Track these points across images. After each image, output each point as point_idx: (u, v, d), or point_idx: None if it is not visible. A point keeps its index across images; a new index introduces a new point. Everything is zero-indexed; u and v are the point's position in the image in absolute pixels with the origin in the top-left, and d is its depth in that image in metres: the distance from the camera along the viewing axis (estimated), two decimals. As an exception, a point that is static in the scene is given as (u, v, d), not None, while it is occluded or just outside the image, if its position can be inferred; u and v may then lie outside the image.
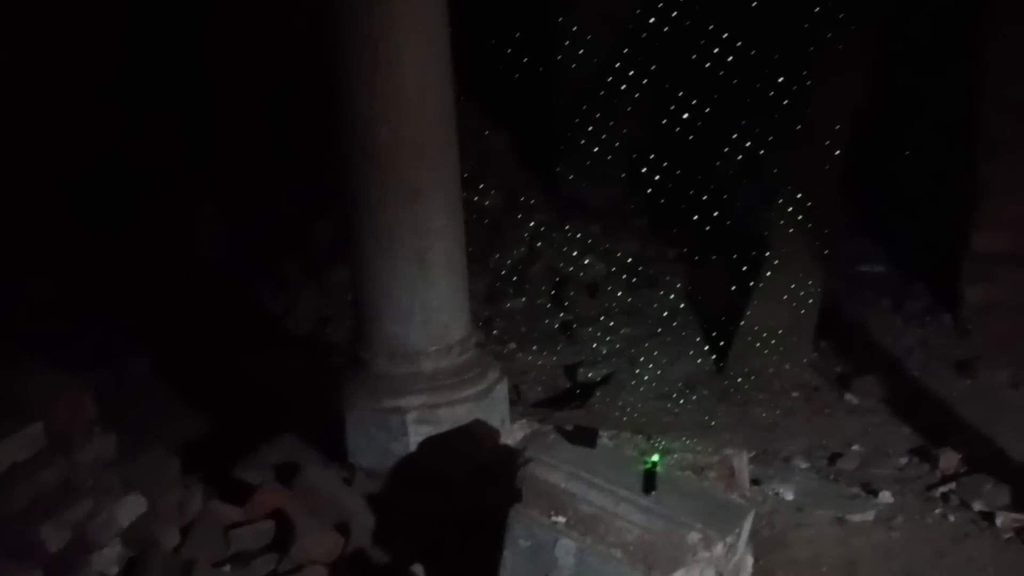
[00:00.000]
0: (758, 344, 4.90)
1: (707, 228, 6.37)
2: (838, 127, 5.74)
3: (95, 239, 6.11)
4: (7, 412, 2.73)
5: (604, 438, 3.12)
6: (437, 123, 3.53)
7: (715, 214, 6.39)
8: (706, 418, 4.47)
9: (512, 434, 3.85)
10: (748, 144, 6.66)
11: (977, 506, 3.57)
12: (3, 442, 2.72)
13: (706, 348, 5.20)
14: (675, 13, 6.74)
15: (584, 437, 2.95)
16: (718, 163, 6.89)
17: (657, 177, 6.96)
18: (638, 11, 6.86)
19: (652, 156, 6.97)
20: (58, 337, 5.31)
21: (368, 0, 3.32)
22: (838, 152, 5.65)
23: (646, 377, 4.96)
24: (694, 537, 2.57)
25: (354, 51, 3.42)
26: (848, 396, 4.64)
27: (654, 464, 2.71)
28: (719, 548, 2.58)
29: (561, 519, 2.68)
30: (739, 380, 4.77)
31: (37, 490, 2.72)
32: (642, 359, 5.17)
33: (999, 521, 3.44)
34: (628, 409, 4.56)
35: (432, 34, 3.43)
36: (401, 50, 3.37)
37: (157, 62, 6.43)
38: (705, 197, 6.48)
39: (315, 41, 3.84)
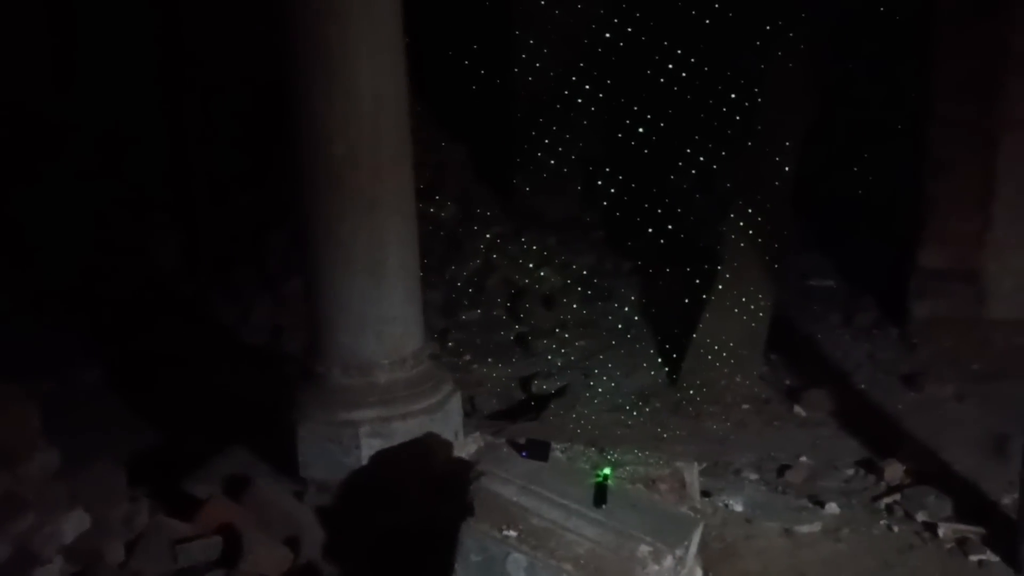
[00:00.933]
0: (710, 357, 4.95)
1: (661, 241, 6.44)
2: (788, 143, 5.85)
3: (45, 250, 6.01)
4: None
5: (557, 451, 3.14)
6: (393, 136, 3.53)
7: (669, 227, 6.46)
8: (659, 430, 4.50)
9: (466, 447, 3.84)
10: (701, 159, 6.76)
11: (921, 517, 3.65)
12: (-59, 456, 2.65)
13: (660, 360, 5.25)
14: (630, 29, 6.82)
15: (537, 450, 2.96)
16: (672, 177, 6.98)
17: (612, 190, 7.02)
18: (594, 26, 6.93)
19: (608, 169, 7.04)
20: (5, 346, 5.19)
21: (324, 13, 3.33)
22: (789, 168, 5.75)
23: (600, 389, 4.99)
24: (644, 550, 2.59)
25: (310, 64, 3.42)
26: (797, 409, 4.71)
27: (605, 477, 2.73)
28: (668, 561, 2.60)
29: (512, 533, 2.68)
30: (692, 392, 4.82)
31: (-23, 505, 2.66)
32: (596, 371, 5.20)
33: (942, 532, 3.52)
34: (582, 421, 4.58)
35: (388, 47, 3.44)
36: (357, 63, 3.38)
37: (108, 73, 6.34)
38: (660, 210, 6.55)
39: (270, 50, 3.83)
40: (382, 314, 3.61)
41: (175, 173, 6.68)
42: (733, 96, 6.35)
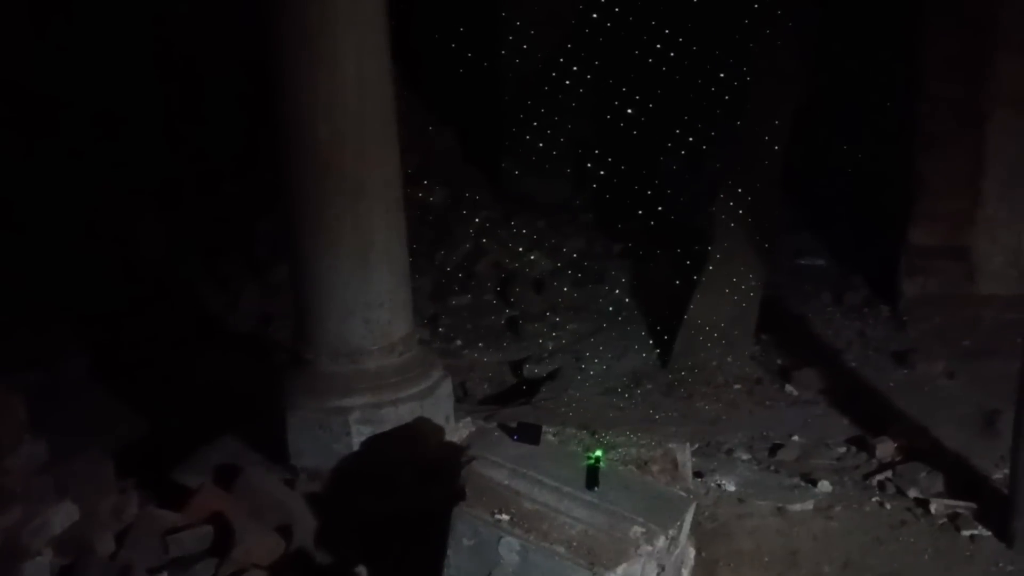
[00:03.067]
0: (701, 338, 4.95)
1: (651, 223, 6.42)
2: (778, 123, 5.83)
3: (30, 236, 5.94)
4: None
5: (548, 434, 3.12)
6: (378, 119, 3.49)
7: (659, 209, 6.44)
8: (651, 412, 4.49)
9: (457, 432, 3.83)
10: (691, 140, 6.73)
11: (913, 493, 3.65)
12: (-74, 449, 2.62)
13: (651, 343, 5.24)
14: (618, 9, 6.77)
15: (528, 434, 2.95)
16: (662, 158, 6.95)
17: (602, 173, 7.00)
18: (581, 7, 6.88)
19: (597, 152, 7.00)
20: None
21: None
22: (778, 148, 5.73)
23: (592, 372, 4.98)
24: (636, 531, 2.58)
25: (293, 46, 3.37)
26: (789, 388, 4.72)
27: (597, 460, 2.72)
28: (661, 541, 2.60)
29: (505, 517, 2.67)
30: (683, 374, 4.81)
31: (-37, 498, 2.63)
32: (588, 354, 5.19)
33: (933, 508, 3.52)
34: (574, 404, 4.57)
35: (371, 27, 3.40)
36: (340, 44, 3.33)
37: (102, 55, 6.26)
38: (649, 192, 6.52)
39: (257, 35, 3.78)
40: (369, 300, 3.58)
41: (163, 159, 6.62)
42: (722, 76, 6.32)
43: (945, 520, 3.46)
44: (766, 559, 3.21)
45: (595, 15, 6.82)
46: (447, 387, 3.84)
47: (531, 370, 5.18)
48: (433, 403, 3.70)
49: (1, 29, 5.95)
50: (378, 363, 3.65)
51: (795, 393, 4.67)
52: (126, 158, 6.38)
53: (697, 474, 3.60)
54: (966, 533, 3.38)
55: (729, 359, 4.84)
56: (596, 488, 2.70)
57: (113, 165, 6.31)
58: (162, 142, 6.58)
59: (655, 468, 3.29)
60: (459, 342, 5.55)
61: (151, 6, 6.43)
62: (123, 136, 6.41)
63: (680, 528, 2.70)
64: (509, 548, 2.63)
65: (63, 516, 3.02)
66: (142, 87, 6.50)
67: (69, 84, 6.22)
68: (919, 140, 5.29)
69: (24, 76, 6.14)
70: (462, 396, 4.87)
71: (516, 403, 4.76)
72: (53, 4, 6.24)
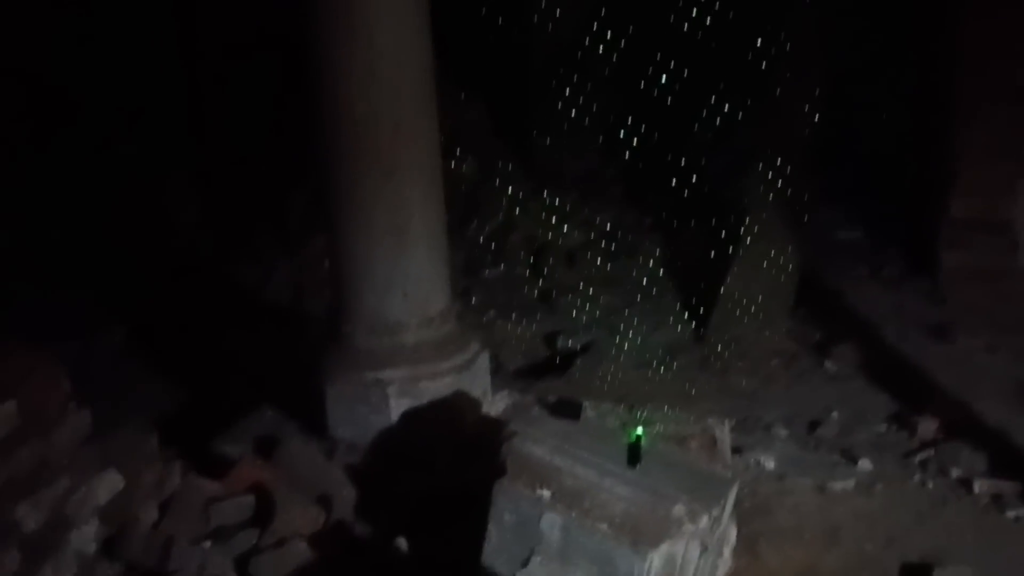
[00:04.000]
0: (738, 312, 4.90)
1: (684, 194, 6.35)
2: (815, 92, 5.72)
3: (66, 215, 5.99)
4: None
5: (588, 410, 3.12)
6: (416, 95, 3.46)
7: (691, 180, 6.37)
8: (687, 387, 4.47)
9: (494, 405, 3.83)
10: (724, 109, 6.64)
11: (955, 473, 3.61)
12: (-26, 421, 2.65)
13: (686, 316, 5.21)
14: (651, -22, 6.67)
15: (568, 410, 2.94)
16: (695, 129, 6.86)
17: (633, 143, 6.92)
18: (614, -27, 6.78)
19: (628, 122, 6.92)
20: (28, 310, 5.21)
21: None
22: (814, 118, 5.64)
23: (626, 346, 4.96)
24: (679, 510, 2.57)
25: (329, 21, 3.34)
26: (827, 363, 4.67)
27: (638, 438, 2.70)
28: (704, 521, 2.58)
29: (546, 493, 2.67)
30: (719, 348, 4.78)
31: (12, 469, 2.67)
32: (622, 327, 5.16)
33: (977, 488, 3.48)
34: (609, 378, 4.55)
35: (410, 2, 3.35)
36: (378, 19, 3.29)
37: (124, 33, 6.24)
38: (681, 163, 6.45)
39: (290, 7, 3.75)
40: (408, 275, 3.57)
41: (194, 133, 6.63)
42: (756, 45, 6.21)
43: (988, 500, 3.43)
44: (807, 536, 3.19)
45: (628, -19, 6.72)
46: (484, 361, 3.84)
47: (564, 343, 5.17)
48: (471, 376, 3.70)
49: (19, 20, 5.93)
50: (416, 337, 3.65)
51: (833, 368, 4.63)
52: (153, 138, 6.39)
53: (736, 450, 3.58)
54: (1010, 514, 3.34)
55: (766, 333, 4.80)
56: (638, 465, 2.69)
57: (141, 145, 6.33)
58: (188, 121, 6.57)
59: (693, 445, 3.27)
60: (492, 314, 5.54)
61: None
62: (148, 118, 6.40)
63: (723, 508, 2.68)
64: (551, 524, 2.63)
65: (107, 487, 3.05)
66: (165, 70, 6.47)
67: (90, 73, 6.20)
68: (959, 110, 5.18)
69: (43, 67, 6.12)
70: (495, 368, 4.83)
71: (550, 376, 4.76)
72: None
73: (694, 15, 6.53)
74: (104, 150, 6.14)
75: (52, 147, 6.05)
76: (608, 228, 6.38)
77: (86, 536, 2.94)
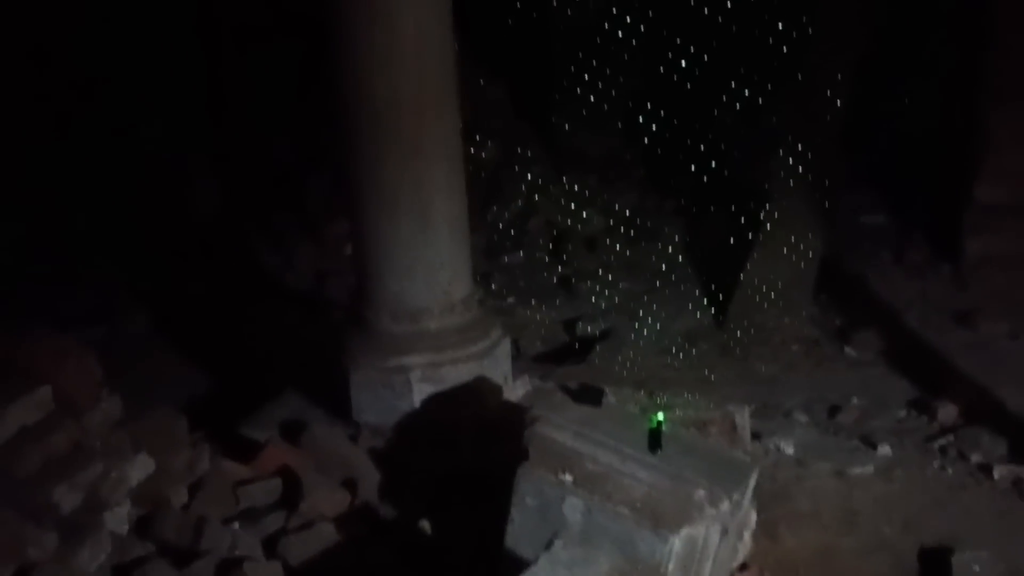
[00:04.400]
0: (758, 298, 4.91)
1: (705, 179, 6.33)
2: (840, 76, 5.68)
3: (87, 199, 6.06)
4: (14, 377, 2.73)
5: (609, 396, 3.14)
6: (438, 77, 3.47)
7: (713, 165, 6.35)
8: (707, 372, 4.49)
9: (514, 390, 3.87)
10: (746, 92, 6.60)
11: (975, 458, 3.62)
12: (11, 406, 2.73)
13: (706, 302, 5.22)
14: (673, -41, 6.62)
15: (589, 396, 2.97)
16: (716, 112, 6.83)
17: (654, 127, 6.90)
18: (635, -43, 6.73)
19: (649, 105, 6.90)
20: (53, 294, 5.30)
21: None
22: (839, 103, 5.60)
23: (646, 331, 4.98)
24: (700, 494, 2.60)
25: (351, 4, 3.33)
26: (848, 350, 4.67)
27: (659, 423, 2.73)
28: (725, 505, 2.61)
29: (568, 477, 2.70)
30: (739, 334, 4.79)
31: (48, 453, 2.74)
32: (642, 313, 5.18)
33: (996, 473, 3.49)
34: (629, 364, 4.58)
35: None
36: (400, 3, 3.29)
37: (143, 11, 6.26)
38: (703, 147, 6.43)
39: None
40: (430, 261, 3.61)
41: (214, 115, 6.67)
42: (780, 27, 6.16)
43: (1008, 486, 3.43)
44: (825, 520, 3.21)
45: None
46: (506, 347, 3.88)
47: (584, 328, 5.20)
48: (492, 362, 3.74)
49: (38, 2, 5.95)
50: (439, 323, 3.69)
51: (854, 354, 4.63)
52: (173, 121, 6.42)
53: (755, 436, 3.60)
54: (1030, 499, 3.35)
55: (787, 319, 4.81)
56: (659, 450, 2.72)
57: (161, 128, 6.36)
58: (208, 105, 6.59)
59: (713, 430, 3.29)
60: (512, 300, 5.58)
61: None
62: (168, 101, 6.43)
63: (744, 493, 2.71)
64: (573, 508, 2.67)
65: (139, 469, 3.13)
66: (184, 53, 6.49)
67: (109, 55, 6.22)
68: (988, 94, 5.13)
69: (63, 49, 6.15)
70: (516, 353, 4.88)
71: (570, 362, 4.79)
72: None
73: (715, -2, 6.48)
74: (124, 134, 6.19)
75: (72, 131, 6.10)
76: (628, 213, 6.38)
77: (119, 517, 3.01)
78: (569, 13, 6.99)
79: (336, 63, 3.47)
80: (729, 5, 6.47)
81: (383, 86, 3.37)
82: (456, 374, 3.65)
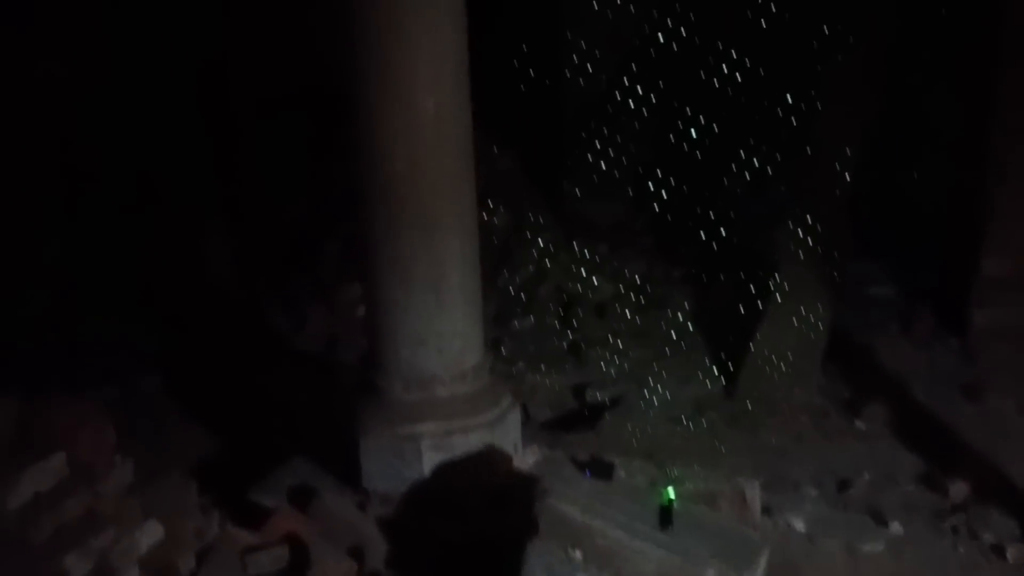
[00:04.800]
0: (768, 368, 4.92)
1: (713, 247, 6.40)
2: (847, 149, 5.78)
3: (101, 263, 6.14)
4: (31, 442, 2.76)
5: (619, 470, 3.16)
6: (454, 153, 3.56)
7: (721, 233, 6.42)
8: (716, 443, 4.49)
9: (524, 459, 3.88)
10: (755, 163, 6.70)
11: (987, 538, 3.60)
12: (26, 472, 2.75)
13: (715, 371, 5.23)
14: (683, 31, 6.78)
15: (599, 469, 2.99)
16: (725, 181, 6.92)
17: (663, 195, 6.99)
18: (646, 29, 6.90)
19: (659, 173, 7.00)
20: (69, 355, 5.35)
21: (384, 30, 3.34)
22: (848, 176, 5.68)
23: (655, 400, 4.99)
24: (710, 574, 2.60)
25: (369, 79, 3.43)
26: (857, 422, 4.67)
27: (670, 501, 2.74)
28: (735, 584, 2.61)
29: (578, 554, 2.71)
30: (749, 404, 4.79)
31: (61, 520, 2.76)
32: (651, 381, 5.19)
33: (1010, 555, 3.46)
34: (638, 433, 4.58)
35: (450, 61, 3.45)
36: (418, 80, 3.39)
37: (146, 95, 6.38)
38: (711, 215, 6.50)
39: (329, 61, 3.85)
40: (443, 330, 3.65)
41: (228, 179, 6.79)
42: (788, 99, 6.29)
43: (1022, 567, 3.41)
44: (836, 599, 3.19)
45: (659, 36, 6.84)
46: (516, 415, 3.90)
47: (594, 395, 5.21)
48: (502, 431, 3.76)
49: (47, 84, 6.09)
50: (449, 391, 3.72)
51: (863, 427, 4.63)
52: (187, 188, 6.52)
53: (765, 510, 3.59)
54: (1043, 580, 3.33)
55: (796, 390, 4.81)
56: (669, 527, 2.73)
57: (174, 196, 6.46)
58: (222, 172, 6.69)
59: (724, 503, 3.30)
60: (521, 365, 5.60)
61: (205, 24, 6.49)
62: (180, 171, 6.51)
63: (754, 572, 2.71)
64: (583, 585, 2.67)
65: (149, 536, 3.13)
66: (193, 124, 6.59)
67: (116, 137, 6.32)
68: (994, 168, 5.21)
69: (72, 130, 6.27)
70: (525, 419, 4.86)
71: (580, 429, 4.79)
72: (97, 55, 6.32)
73: (728, 69, 6.62)
74: (135, 210, 6.29)
75: (83, 207, 6.20)
76: (638, 280, 6.42)
77: (127, 584, 3.01)
78: (581, 83, 7.13)
79: (355, 138, 3.57)
80: (738, 78, 6.61)
81: (401, 162, 3.47)
82: (466, 443, 3.67)
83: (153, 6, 6.16)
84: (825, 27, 6.04)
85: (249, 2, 6.47)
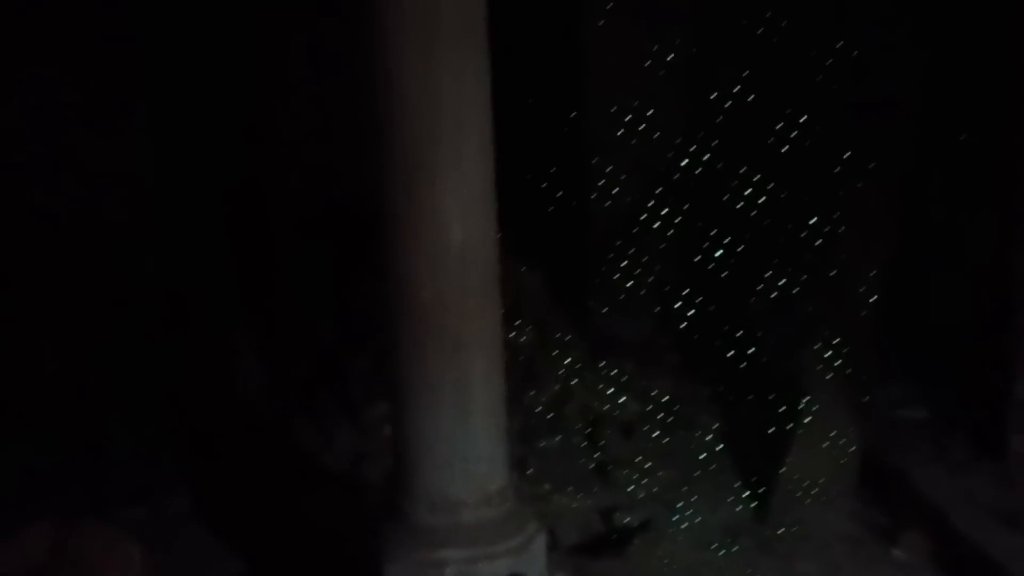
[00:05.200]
0: (799, 493, 4.83)
1: (741, 366, 6.36)
2: (872, 272, 5.81)
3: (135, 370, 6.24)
4: (60, 569, 2.76)
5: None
6: (480, 279, 3.63)
7: (749, 352, 6.40)
8: (749, 571, 4.36)
9: (551, 587, 3.80)
10: (781, 283, 6.73)
11: None
12: (50, 598, 2.73)
13: (746, 494, 5.13)
14: (707, 156, 6.95)
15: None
16: (751, 300, 6.94)
17: (690, 313, 7.02)
18: (670, 154, 7.08)
19: (685, 292, 7.05)
20: (95, 472, 5.38)
21: (414, 164, 3.49)
22: (873, 298, 5.69)
23: (684, 524, 4.89)
24: None
25: (400, 211, 3.56)
26: (895, 551, 4.53)
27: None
28: None
29: None
30: (781, 531, 4.68)
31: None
32: (680, 504, 5.10)
33: None
34: (667, 560, 4.48)
35: (478, 195, 3.57)
36: (447, 212, 3.50)
37: (179, 199, 6.61)
38: (738, 335, 6.50)
39: (355, 173, 3.96)
40: (468, 453, 3.65)
41: (260, 295, 6.92)
42: (812, 221, 6.37)
43: None
44: None
45: (683, 162, 7.01)
46: (541, 541, 3.83)
47: (621, 519, 5.11)
48: (528, 559, 3.70)
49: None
50: (474, 515, 3.68)
51: (902, 556, 4.48)
52: (217, 309, 6.66)
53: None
54: None
55: (829, 516, 4.70)
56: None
57: (206, 316, 6.60)
58: (253, 291, 6.84)
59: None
60: (548, 486, 5.52)
61: (224, 169, 6.73)
62: (210, 295, 6.66)
63: None
64: None
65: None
66: (221, 251, 6.77)
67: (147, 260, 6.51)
68: (1019, 289, 5.20)
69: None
70: (551, 543, 4.79)
71: (608, 554, 4.69)
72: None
73: (752, 192, 6.74)
74: (166, 330, 6.43)
75: (116, 328, 6.34)
76: (665, 399, 6.38)
77: None
78: (606, 205, 7.29)
79: (383, 262, 3.67)
80: (761, 200, 6.72)
81: (428, 288, 3.55)
82: (491, 570, 3.61)
83: (183, 133, 6.47)
84: (845, 153, 6.18)
85: (272, 130, 6.73)
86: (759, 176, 6.69)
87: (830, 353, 5.54)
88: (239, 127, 6.61)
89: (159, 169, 6.55)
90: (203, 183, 6.62)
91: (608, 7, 6.58)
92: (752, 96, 6.44)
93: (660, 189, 7.16)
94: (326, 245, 6.80)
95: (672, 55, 6.62)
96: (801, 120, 6.32)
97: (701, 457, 5.62)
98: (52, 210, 6.16)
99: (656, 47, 6.59)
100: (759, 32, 6.37)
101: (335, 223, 6.79)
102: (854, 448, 5.10)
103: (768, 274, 6.72)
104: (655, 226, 7.22)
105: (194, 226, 6.65)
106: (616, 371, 6.64)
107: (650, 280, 7.35)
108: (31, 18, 6.03)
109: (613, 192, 7.33)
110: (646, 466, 5.60)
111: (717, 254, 6.93)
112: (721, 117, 6.57)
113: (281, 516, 4.94)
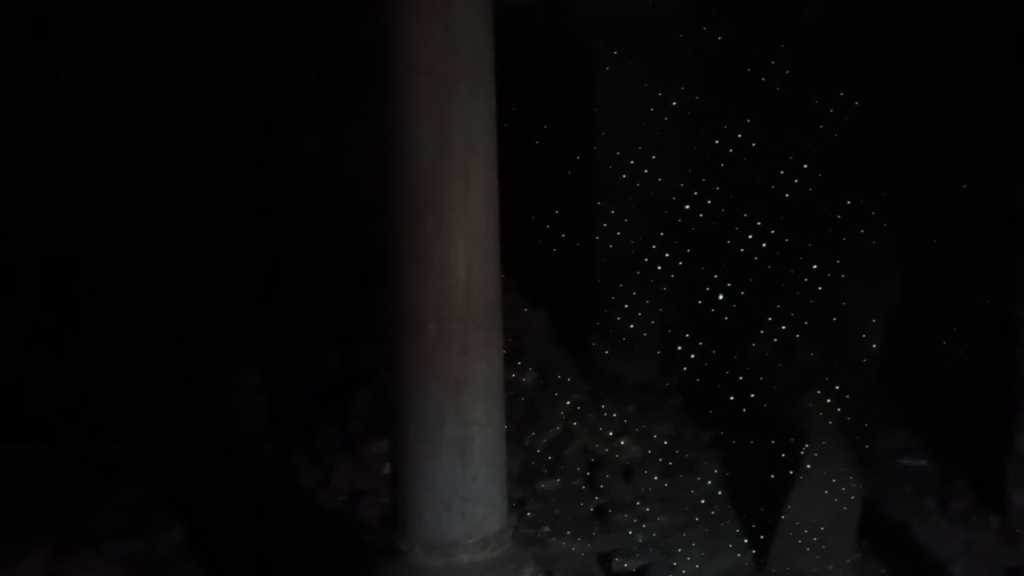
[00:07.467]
0: (799, 541, 4.78)
1: (742, 410, 6.35)
2: (875, 320, 5.82)
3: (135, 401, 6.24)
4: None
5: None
6: (483, 319, 3.66)
7: (750, 396, 6.39)
8: (746, 620, 4.32)
9: (546, 633, 3.76)
10: (783, 327, 6.73)
11: None
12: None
13: (745, 541, 5.09)
14: (710, 201, 7.00)
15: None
16: (753, 345, 6.94)
17: (692, 356, 7.01)
18: (674, 198, 7.13)
19: (687, 335, 7.05)
20: (92, 506, 5.35)
21: (423, 206, 3.54)
22: (875, 345, 5.70)
23: (684, 571, 4.84)
24: None
25: (406, 251, 3.61)
26: (896, 605, 4.49)
27: None
28: None
29: None
30: (781, 579, 4.64)
31: None
32: (679, 551, 5.06)
33: None
34: (666, 608, 4.43)
35: (484, 237, 3.63)
36: (453, 253, 3.56)
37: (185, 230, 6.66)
38: (740, 379, 6.49)
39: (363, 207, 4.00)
40: (466, 495, 3.65)
41: (266, 330, 6.93)
42: (815, 267, 6.39)
43: None
44: None
45: (687, 206, 7.06)
46: (538, 585, 3.81)
47: (620, 564, 5.08)
48: (525, 603, 3.67)
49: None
50: (471, 557, 3.67)
51: (902, 610, 4.44)
52: (220, 341, 6.68)
53: None
54: None
55: (830, 567, 4.66)
56: None
57: (208, 348, 6.63)
58: (260, 318, 6.86)
59: None
60: (547, 529, 5.49)
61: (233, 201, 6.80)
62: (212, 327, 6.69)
63: None
64: None
65: None
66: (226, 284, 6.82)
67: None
68: (1019, 342, 5.20)
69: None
70: (549, 589, 4.79)
71: (606, 602, 4.65)
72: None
73: (755, 237, 6.77)
74: (169, 360, 6.45)
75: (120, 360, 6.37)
76: (665, 442, 6.36)
77: None
78: (610, 247, 7.32)
79: (388, 298, 3.71)
80: (764, 245, 6.75)
81: (432, 325, 3.59)
82: (487, 613, 3.58)
83: (191, 163, 6.54)
84: (848, 200, 6.22)
85: (280, 163, 6.78)
86: (761, 222, 6.73)
87: (831, 400, 5.53)
88: (248, 160, 6.68)
89: (166, 200, 6.62)
90: (210, 214, 6.69)
91: (614, 54, 6.69)
92: (755, 143, 6.50)
93: (663, 233, 7.22)
94: (332, 276, 6.83)
95: (676, 101, 6.70)
96: (804, 167, 6.38)
97: (701, 502, 5.59)
98: (56, 240, 6.21)
99: (661, 93, 6.69)
100: (763, 80, 6.46)
101: (342, 255, 6.82)
102: (854, 498, 5.07)
103: (770, 319, 6.74)
104: (658, 269, 7.26)
105: (198, 257, 6.70)
106: (617, 413, 6.63)
107: (653, 323, 7.37)
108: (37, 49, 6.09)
109: (617, 235, 7.38)
110: (646, 510, 5.57)
111: (720, 298, 6.95)
112: (724, 163, 6.62)
113: (275, 553, 4.90)
